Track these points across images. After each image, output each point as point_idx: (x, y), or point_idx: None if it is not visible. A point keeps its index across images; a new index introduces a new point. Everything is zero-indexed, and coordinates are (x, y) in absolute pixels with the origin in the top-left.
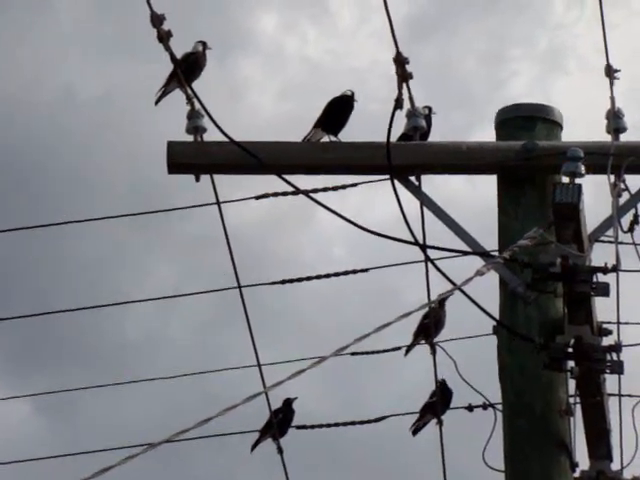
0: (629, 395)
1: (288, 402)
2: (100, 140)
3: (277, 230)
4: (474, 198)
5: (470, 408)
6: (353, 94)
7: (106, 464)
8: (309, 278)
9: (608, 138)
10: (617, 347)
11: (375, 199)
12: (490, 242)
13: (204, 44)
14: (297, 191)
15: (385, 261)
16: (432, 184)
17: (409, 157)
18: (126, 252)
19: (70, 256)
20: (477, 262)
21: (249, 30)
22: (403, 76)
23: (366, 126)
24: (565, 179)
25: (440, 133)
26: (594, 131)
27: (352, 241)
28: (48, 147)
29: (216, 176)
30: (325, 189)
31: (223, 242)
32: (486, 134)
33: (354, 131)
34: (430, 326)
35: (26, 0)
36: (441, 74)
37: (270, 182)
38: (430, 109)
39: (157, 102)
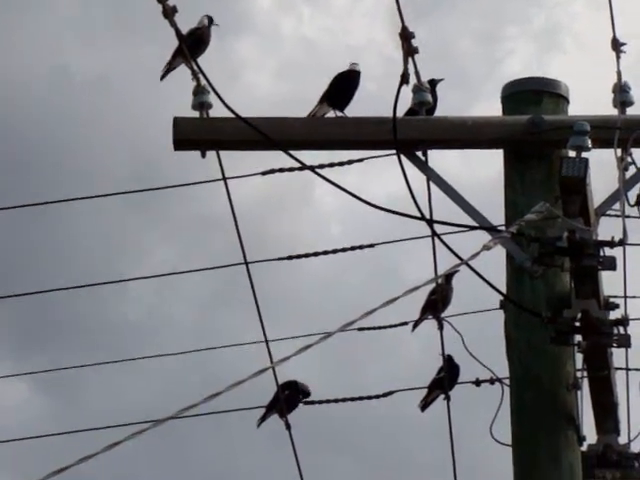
0: (636, 369)
1: (296, 384)
2: (98, 120)
3: (275, 209)
4: (480, 173)
5: (477, 383)
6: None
7: (109, 441)
8: (316, 254)
9: (613, 112)
10: (624, 321)
11: (377, 176)
12: (497, 217)
13: (210, 19)
14: (303, 167)
15: (383, 239)
16: (438, 160)
17: (415, 132)
18: (125, 232)
19: (69, 236)
20: (484, 237)
21: (245, 10)
22: (409, 51)
23: (363, 104)
24: (572, 153)
25: (437, 112)
26: (592, 108)
27: (350, 220)
28: (46, 128)
29: (213, 153)
30: (332, 164)
31: (221, 222)
32: (484, 113)
33: (351, 109)
34: (437, 301)
35: None
36: (437, 54)
37: (268, 159)
38: (435, 81)
39: (162, 77)
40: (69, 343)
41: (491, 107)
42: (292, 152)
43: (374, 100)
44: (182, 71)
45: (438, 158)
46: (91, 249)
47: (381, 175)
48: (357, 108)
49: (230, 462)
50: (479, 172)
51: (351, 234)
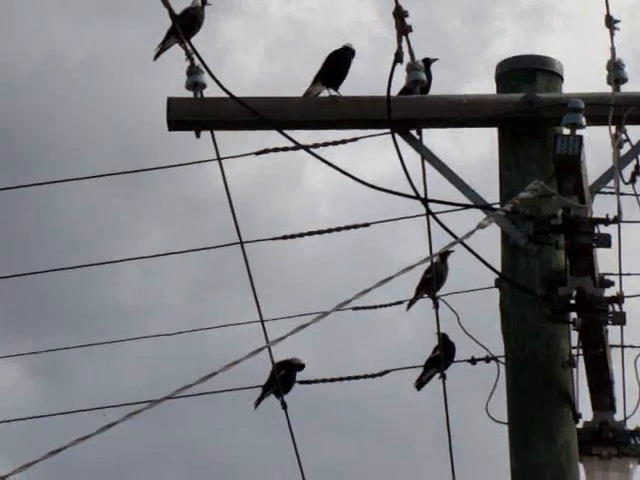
0: (631, 346)
1: (290, 363)
2: (88, 102)
3: (264, 190)
4: (474, 151)
5: (473, 361)
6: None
7: (100, 424)
8: (311, 233)
9: (607, 90)
10: (619, 298)
11: (366, 155)
12: (491, 195)
13: None
14: (297, 146)
15: (373, 219)
16: (430, 139)
17: (410, 111)
18: (115, 216)
19: (58, 219)
20: (478, 215)
21: None
22: (403, 29)
23: (352, 85)
24: (566, 131)
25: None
26: (582, 87)
27: (339, 200)
28: (35, 111)
29: (196, 134)
30: (325, 144)
31: (210, 205)
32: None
33: (341, 89)
34: (432, 280)
35: None
36: (426, 33)
37: (256, 139)
38: (429, 60)
39: (156, 57)
40: (60, 327)
41: (481, 87)
42: (286, 131)
43: (363, 80)
44: (173, 52)
45: (431, 137)
46: (81, 231)
47: (370, 155)
48: (346, 88)
49: (223, 443)
50: (473, 150)
51: (340, 214)
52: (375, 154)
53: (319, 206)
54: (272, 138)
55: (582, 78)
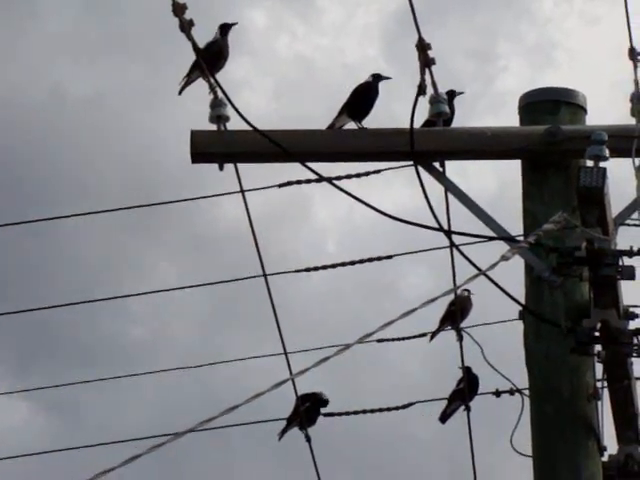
0: None
1: (316, 396)
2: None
3: (272, 226)
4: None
5: (497, 393)
6: (379, 78)
7: (112, 458)
8: (334, 266)
9: (630, 121)
10: None
11: (383, 188)
12: (515, 228)
13: (227, 27)
14: (320, 178)
15: (378, 254)
16: (454, 171)
17: (432, 143)
18: (125, 252)
19: (67, 253)
20: (502, 247)
21: (239, 28)
22: (425, 61)
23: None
24: (589, 163)
25: None
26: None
27: (344, 237)
28: (41, 148)
29: (202, 167)
30: (349, 176)
31: (219, 240)
32: None
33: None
34: (456, 312)
35: (13, 1)
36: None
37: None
38: (454, 92)
39: (181, 91)
40: (69, 361)
41: (485, 124)
42: (309, 164)
43: (372, 116)
44: (172, 89)
45: (453, 169)
46: (91, 267)
47: (388, 188)
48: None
49: (231, 476)
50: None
51: (346, 249)
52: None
53: (326, 241)
54: (288, 169)
55: (590, 110)
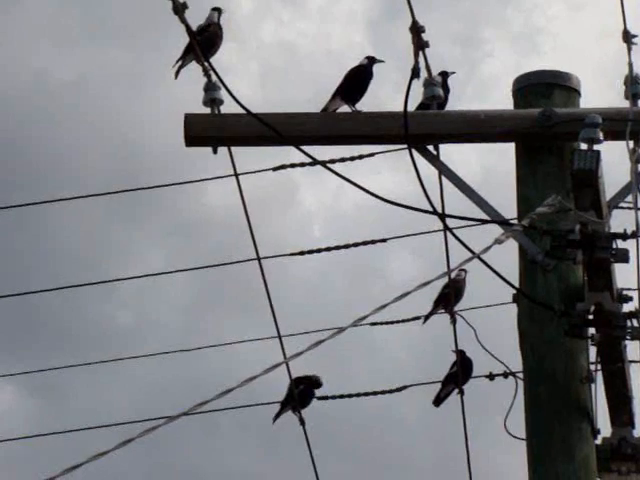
0: None
1: (309, 379)
2: (77, 125)
3: (258, 211)
4: (491, 167)
5: (491, 377)
6: (373, 60)
7: (99, 443)
8: (328, 249)
9: (624, 104)
10: (638, 313)
11: (380, 171)
12: (509, 211)
13: (219, 11)
14: (314, 162)
15: (364, 239)
16: (447, 154)
17: (427, 126)
18: (111, 237)
19: (53, 239)
20: (496, 231)
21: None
22: (419, 45)
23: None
24: (583, 146)
25: None
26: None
27: (329, 223)
28: (25, 134)
29: (195, 150)
30: (342, 159)
31: (206, 224)
32: None
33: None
34: (450, 295)
35: None
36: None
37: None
38: (446, 74)
39: (176, 76)
40: (56, 346)
41: (471, 108)
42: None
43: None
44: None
45: (447, 152)
46: (77, 251)
47: (385, 171)
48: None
49: (220, 462)
50: (490, 165)
51: (334, 234)
52: (384, 173)
53: (312, 227)
54: (267, 155)
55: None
